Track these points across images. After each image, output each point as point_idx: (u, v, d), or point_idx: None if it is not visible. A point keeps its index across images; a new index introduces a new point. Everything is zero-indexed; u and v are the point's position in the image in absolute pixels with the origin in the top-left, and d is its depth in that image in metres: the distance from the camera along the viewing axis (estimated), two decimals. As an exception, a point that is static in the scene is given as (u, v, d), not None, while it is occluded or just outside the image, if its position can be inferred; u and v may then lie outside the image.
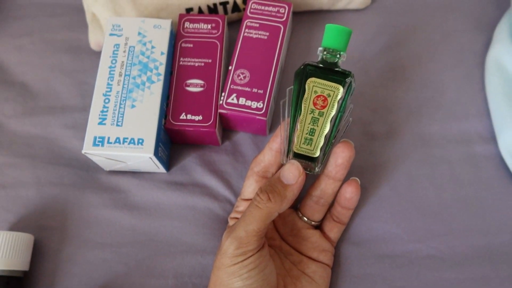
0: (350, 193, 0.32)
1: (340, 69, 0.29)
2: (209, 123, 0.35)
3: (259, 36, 0.37)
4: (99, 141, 0.33)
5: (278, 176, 0.29)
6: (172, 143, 0.38)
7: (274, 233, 0.33)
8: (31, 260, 0.34)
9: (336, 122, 0.29)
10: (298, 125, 0.29)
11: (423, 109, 0.39)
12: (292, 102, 0.30)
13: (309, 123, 0.29)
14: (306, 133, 0.29)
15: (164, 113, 0.35)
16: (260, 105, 0.35)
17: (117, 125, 0.33)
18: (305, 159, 0.30)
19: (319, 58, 0.30)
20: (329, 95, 0.29)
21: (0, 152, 0.38)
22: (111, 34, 0.36)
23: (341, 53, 0.29)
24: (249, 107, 0.35)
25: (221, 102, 0.35)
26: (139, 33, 0.36)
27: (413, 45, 0.41)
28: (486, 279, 0.33)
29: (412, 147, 0.37)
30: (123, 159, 0.34)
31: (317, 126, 0.29)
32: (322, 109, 0.29)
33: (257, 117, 0.34)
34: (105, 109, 0.33)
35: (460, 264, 0.34)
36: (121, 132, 0.33)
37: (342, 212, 0.33)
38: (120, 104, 0.34)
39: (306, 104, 0.29)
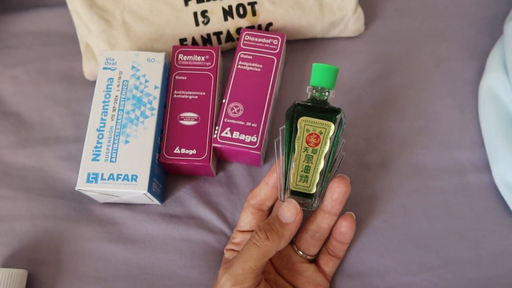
0: (345, 227, 0.32)
1: (329, 106, 0.30)
2: (203, 157, 0.35)
3: (253, 69, 0.37)
4: (93, 178, 0.33)
5: (276, 215, 0.29)
6: (167, 174, 0.38)
7: (269, 266, 0.33)
8: (24, 296, 0.34)
9: (330, 157, 0.30)
10: (293, 164, 0.30)
11: (416, 138, 0.39)
12: (285, 141, 0.30)
13: (304, 161, 0.29)
14: (302, 171, 0.30)
15: (158, 147, 0.35)
16: (253, 139, 0.35)
17: (111, 161, 0.33)
18: (302, 196, 0.30)
19: (309, 97, 0.30)
20: (321, 133, 0.29)
21: (-6, 185, 0.38)
22: (104, 68, 0.36)
23: (330, 90, 0.30)
24: (243, 141, 0.35)
25: (215, 136, 0.35)
26: (133, 67, 0.36)
27: (405, 74, 0.41)
28: (481, 313, 0.33)
29: (406, 178, 0.37)
30: (117, 194, 0.34)
31: (312, 163, 0.29)
32: (315, 146, 0.29)
33: (251, 151, 0.35)
34: (99, 145, 0.33)
35: (454, 297, 0.34)
36: (115, 169, 0.33)
37: (337, 246, 0.33)
38: (114, 139, 0.34)
39: (299, 143, 0.29)
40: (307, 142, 0.29)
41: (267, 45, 0.38)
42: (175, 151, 0.35)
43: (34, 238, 0.36)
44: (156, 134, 0.34)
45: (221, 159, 0.38)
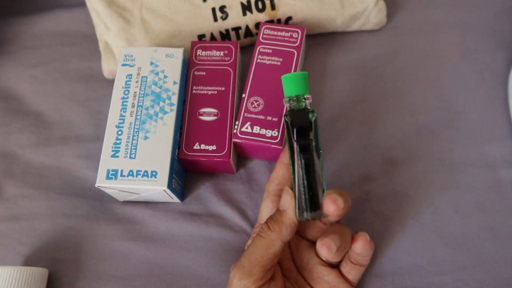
0: (359, 249, 0.30)
1: (288, 118, 0.29)
2: (223, 153, 0.34)
3: (272, 62, 0.36)
4: (112, 174, 0.32)
5: (278, 207, 0.29)
6: (186, 172, 0.37)
7: (291, 265, 0.32)
8: (45, 295, 0.33)
9: (298, 163, 0.28)
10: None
11: (444, 132, 0.37)
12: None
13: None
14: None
15: (178, 144, 0.34)
16: (275, 133, 0.34)
17: (130, 157, 0.33)
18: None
19: (288, 108, 0.30)
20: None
21: (14, 184, 0.38)
22: (123, 65, 0.36)
23: (305, 96, 0.29)
24: (263, 136, 0.34)
25: (235, 131, 0.34)
26: (152, 63, 0.36)
27: (431, 66, 0.40)
28: (518, 314, 0.31)
29: (434, 173, 0.36)
30: (137, 191, 0.33)
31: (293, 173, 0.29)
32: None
33: (272, 145, 0.34)
34: (118, 141, 0.33)
35: (489, 298, 0.32)
36: (134, 165, 0.32)
37: (358, 258, 0.31)
38: (133, 136, 0.33)
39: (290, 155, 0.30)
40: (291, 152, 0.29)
41: (287, 39, 0.37)
42: (194, 147, 0.34)
43: (54, 237, 0.36)
44: (176, 130, 0.34)
45: (241, 155, 0.37)
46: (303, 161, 0.28)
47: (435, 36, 0.41)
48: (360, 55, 0.41)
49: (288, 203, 0.28)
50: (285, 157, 0.31)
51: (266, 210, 0.32)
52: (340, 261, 0.32)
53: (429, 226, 0.34)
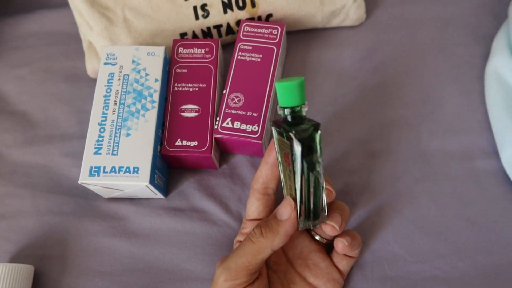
0: (340, 248, 0.31)
1: (302, 123, 0.26)
2: (205, 148, 0.34)
3: (253, 59, 0.37)
4: (95, 171, 0.33)
5: (274, 213, 0.29)
6: (170, 168, 0.38)
7: (281, 257, 0.32)
8: (31, 291, 0.34)
9: (305, 179, 0.27)
10: (283, 181, 0.29)
11: (422, 125, 0.38)
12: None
13: (288, 178, 0.28)
14: (288, 188, 0.28)
15: (160, 140, 0.35)
16: (255, 128, 0.35)
17: (113, 154, 0.33)
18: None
19: (282, 116, 0.28)
20: (289, 153, 0.26)
21: (1, 183, 0.38)
22: (105, 63, 0.36)
23: (301, 105, 0.27)
24: (244, 131, 0.34)
25: (216, 126, 0.35)
26: (133, 61, 0.36)
27: (409, 60, 0.41)
28: (494, 300, 0.32)
29: (412, 165, 0.37)
30: (120, 187, 0.34)
31: (292, 182, 0.27)
32: (289, 166, 0.27)
33: (253, 140, 0.34)
34: (100, 139, 0.34)
35: (465, 285, 0.33)
36: (117, 161, 0.33)
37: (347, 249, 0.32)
38: (116, 133, 0.34)
39: (281, 161, 0.28)
40: (285, 161, 0.27)
41: (267, 35, 0.38)
42: (176, 143, 0.35)
43: (40, 234, 0.36)
44: (157, 127, 0.34)
45: (224, 151, 0.38)
46: (312, 178, 0.27)
47: (413, 31, 0.42)
48: (340, 51, 0.41)
49: (288, 214, 0.28)
50: (268, 157, 0.30)
51: (251, 207, 0.32)
52: (331, 254, 0.33)
53: (407, 217, 0.35)
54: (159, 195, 0.36)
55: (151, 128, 0.34)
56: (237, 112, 0.35)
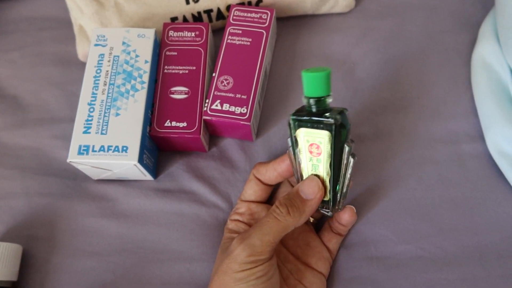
0: (345, 221, 0.32)
1: (328, 114, 0.27)
2: (194, 129, 0.35)
3: (242, 43, 0.37)
4: (84, 150, 0.33)
5: (297, 191, 0.29)
6: (160, 151, 0.38)
7: None
8: (19, 270, 0.34)
9: (339, 165, 0.28)
10: (302, 172, 0.30)
11: (409, 109, 0.39)
12: (293, 151, 0.29)
13: (311, 170, 0.29)
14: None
15: (149, 121, 0.35)
16: (243, 110, 0.35)
17: (102, 133, 0.33)
18: (321, 204, 0.30)
19: (307, 105, 0.28)
20: (320, 143, 0.27)
21: (-10, 164, 0.38)
22: (96, 45, 0.36)
23: (328, 98, 0.27)
24: (232, 113, 0.35)
25: (205, 108, 0.35)
26: (124, 43, 0.36)
27: (398, 47, 0.41)
28: (477, 279, 0.32)
29: (399, 148, 0.37)
30: (109, 167, 0.34)
31: (319, 172, 0.29)
32: (318, 156, 0.28)
33: (241, 122, 0.35)
34: (89, 118, 0.34)
35: (450, 264, 0.33)
36: (106, 140, 0.33)
37: (340, 227, 0.33)
38: (105, 112, 0.34)
39: (302, 154, 0.29)
40: (310, 152, 0.28)
41: (257, 20, 0.38)
42: (165, 124, 0.35)
43: (29, 215, 0.37)
44: (147, 107, 0.35)
45: (213, 134, 0.38)
46: (351, 161, 0.28)
47: (401, 18, 0.42)
48: (329, 37, 0.42)
49: (314, 194, 0.28)
50: (279, 166, 0.31)
51: (249, 190, 0.33)
52: (320, 233, 0.34)
53: (394, 198, 0.36)
54: (148, 177, 0.36)
55: (140, 108, 0.34)
56: (226, 94, 0.36)
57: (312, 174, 0.29)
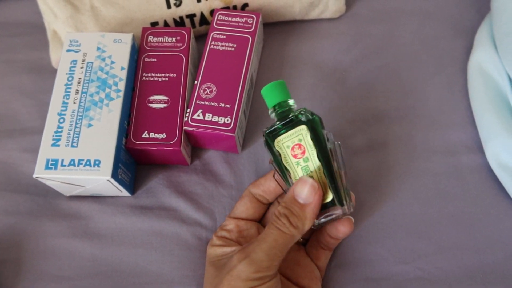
0: (342, 233, 0.29)
1: (292, 114, 0.28)
2: (173, 141, 0.32)
3: (226, 48, 0.35)
4: (52, 164, 0.30)
5: (292, 196, 0.27)
6: (138, 164, 0.35)
7: None
8: (-20, 298, 0.31)
9: (325, 155, 0.27)
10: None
11: (404, 119, 0.37)
12: (278, 168, 0.28)
13: (304, 175, 0.27)
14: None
15: (125, 132, 0.33)
16: (227, 120, 0.32)
17: (72, 146, 0.31)
18: (325, 207, 0.27)
19: (275, 118, 0.29)
20: (300, 140, 0.27)
21: (-48, 180, 0.35)
22: (68, 50, 0.34)
23: (289, 101, 0.28)
24: (216, 123, 0.32)
25: (186, 118, 0.33)
26: (98, 48, 0.34)
27: (390, 54, 0.39)
28: (480, 302, 0.30)
29: (394, 161, 0.35)
30: (80, 182, 0.31)
31: (311, 171, 0.27)
32: (303, 155, 0.27)
33: (225, 133, 0.32)
34: (59, 129, 0.31)
35: (450, 286, 0.31)
36: (76, 154, 0.30)
37: (331, 241, 0.30)
38: (76, 123, 0.31)
39: (289, 162, 0.28)
40: (295, 156, 0.27)
41: (242, 24, 0.36)
42: (143, 136, 0.32)
43: (-7, 236, 0.33)
44: (122, 117, 0.32)
45: (196, 146, 0.36)
46: (337, 144, 0.28)
47: (394, 24, 0.41)
48: (319, 43, 0.40)
49: (313, 195, 0.26)
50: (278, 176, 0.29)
51: (241, 207, 0.31)
52: (307, 250, 0.31)
53: (389, 215, 0.33)
54: (124, 193, 0.33)
55: (115, 118, 0.31)
56: (209, 103, 0.33)
57: (304, 176, 0.27)
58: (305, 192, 0.26)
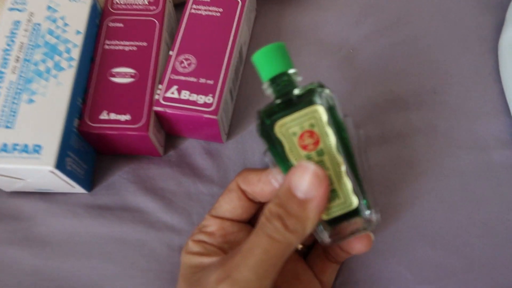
0: (357, 251, 0.23)
1: (301, 90, 0.21)
2: (140, 124, 0.25)
3: (210, 13, 0.28)
4: (-22, 150, 0.23)
5: (289, 189, 0.19)
6: (99, 154, 0.29)
7: None
8: None
9: (347, 147, 0.20)
10: None
11: (424, 106, 0.30)
12: (278, 163, 0.20)
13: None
14: None
15: (79, 112, 0.26)
16: (209, 99, 0.26)
17: (7, 126, 0.24)
18: (346, 219, 0.20)
19: (272, 95, 0.21)
20: (312, 125, 0.20)
21: None
22: (11, 9, 0.27)
23: (291, 71, 0.21)
24: (194, 103, 0.26)
25: (157, 96, 0.26)
26: (49, 8, 0.27)
27: (407, 30, 0.33)
28: (524, 334, 0.24)
29: (412, 155, 0.29)
30: (17, 174, 0.24)
31: (328, 169, 0.20)
32: (316, 146, 0.20)
33: (205, 115, 0.25)
34: (-9, 106, 0.24)
35: (486, 313, 0.24)
36: (11, 137, 0.23)
37: (341, 254, 0.24)
38: (14, 98, 0.24)
39: (295, 154, 0.20)
40: (304, 147, 0.20)
41: (230, -15, 0.29)
42: (101, 117, 0.26)
43: None
44: (75, 93, 0.25)
45: (171, 133, 0.29)
46: (361, 133, 0.21)
47: (411, -5, 0.34)
48: (323, 16, 0.34)
49: (316, 186, 0.19)
50: (279, 176, 0.21)
51: (227, 205, 0.23)
52: (310, 261, 0.25)
53: (407, 222, 0.27)
54: (78, 189, 0.27)
55: (64, 93, 0.25)
56: (187, 78, 0.27)
57: (304, 162, 0.19)
58: (306, 183, 0.19)
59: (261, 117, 0.20)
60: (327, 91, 0.20)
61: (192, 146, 0.29)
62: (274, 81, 0.21)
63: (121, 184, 0.28)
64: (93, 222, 0.27)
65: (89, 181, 0.28)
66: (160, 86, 0.26)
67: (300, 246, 0.26)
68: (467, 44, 0.33)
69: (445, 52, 0.32)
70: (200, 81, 0.26)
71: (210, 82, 0.26)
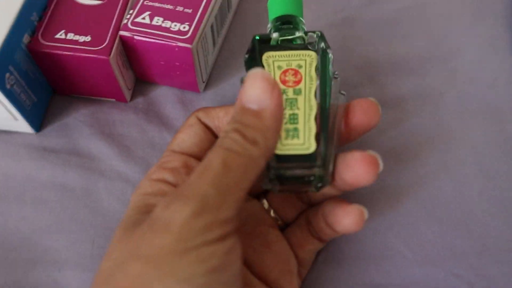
0: (344, 228, 0.19)
1: (301, 34, 0.20)
2: (101, 47, 0.22)
3: None
4: None
5: (242, 103, 0.16)
6: (56, 95, 0.25)
7: None
8: None
9: (324, 99, 0.19)
10: None
11: (431, 72, 0.27)
12: None
13: (286, 108, 0.18)
14: (286, 123, 0.18)
15: (32, 28, 0.22)
16: (184, 27, 0.22)
17: None
18: (298, 161, 0.18)
19: (274, 33, 0.21)
20: (300, 66, 0.19)
21: None
22: None
23: (298, 20, 0.21)
24: (167, 29, 0.22)
25: (126, 21, 0.23)
26: None
27: (415, -4, 0.30)
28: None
29: (417, 124, 0.25)
30: None
31: (298, 108, 0.18)
32: (296, 85, 0.19)
33: (178, 43, 0.22)
34: None
35: (502, 305, 0.20)
36: None
37: (327, 231, 0.19)
38: (-46, 1, 0.21)
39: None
40: (283, 82, 0.19)
41: None
42: (57, 36, 0.22)
43: None
44: (30, 5, 0.22)
45: (142, 78, 0.25)
46: (341, 97, 0.20)
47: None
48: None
49: (268, 92, 0.16)
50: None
51: (190, 139, 0.19)
52: (289, 230, 0.21)
53: (414, 197, 0.22)
54: (24, 126, 0.23)
55: (14, 2, 0.21)
56: (162, 5, 0.23)
57: (253, 69, 0.17)
58: (257, 91, 0.16)
59: (254, 42, 0.20)
60: (325, 42, 0.20)
61: (164, 94, 0.25)
62: (279, 19, 0.20)
63: (75, 126, 0.24)
64: (34, 164, 0.22)
65: (39, 119, 0.24)
66: (130, 11, 0.23)
67: (279, 221, 0.21)
68: (480, 14, 0.30)
69: (456, 23, 0.29)
70: (177, 8, 0.23)
71: (188, 10, 0.23)
